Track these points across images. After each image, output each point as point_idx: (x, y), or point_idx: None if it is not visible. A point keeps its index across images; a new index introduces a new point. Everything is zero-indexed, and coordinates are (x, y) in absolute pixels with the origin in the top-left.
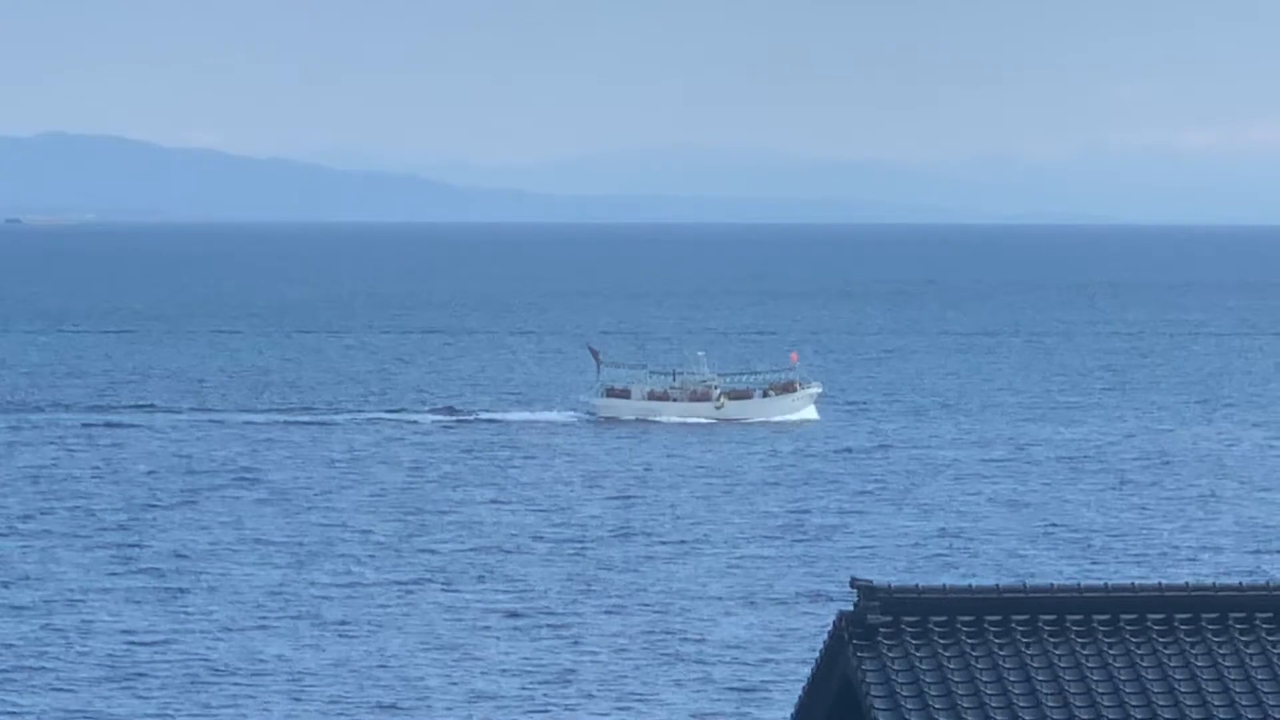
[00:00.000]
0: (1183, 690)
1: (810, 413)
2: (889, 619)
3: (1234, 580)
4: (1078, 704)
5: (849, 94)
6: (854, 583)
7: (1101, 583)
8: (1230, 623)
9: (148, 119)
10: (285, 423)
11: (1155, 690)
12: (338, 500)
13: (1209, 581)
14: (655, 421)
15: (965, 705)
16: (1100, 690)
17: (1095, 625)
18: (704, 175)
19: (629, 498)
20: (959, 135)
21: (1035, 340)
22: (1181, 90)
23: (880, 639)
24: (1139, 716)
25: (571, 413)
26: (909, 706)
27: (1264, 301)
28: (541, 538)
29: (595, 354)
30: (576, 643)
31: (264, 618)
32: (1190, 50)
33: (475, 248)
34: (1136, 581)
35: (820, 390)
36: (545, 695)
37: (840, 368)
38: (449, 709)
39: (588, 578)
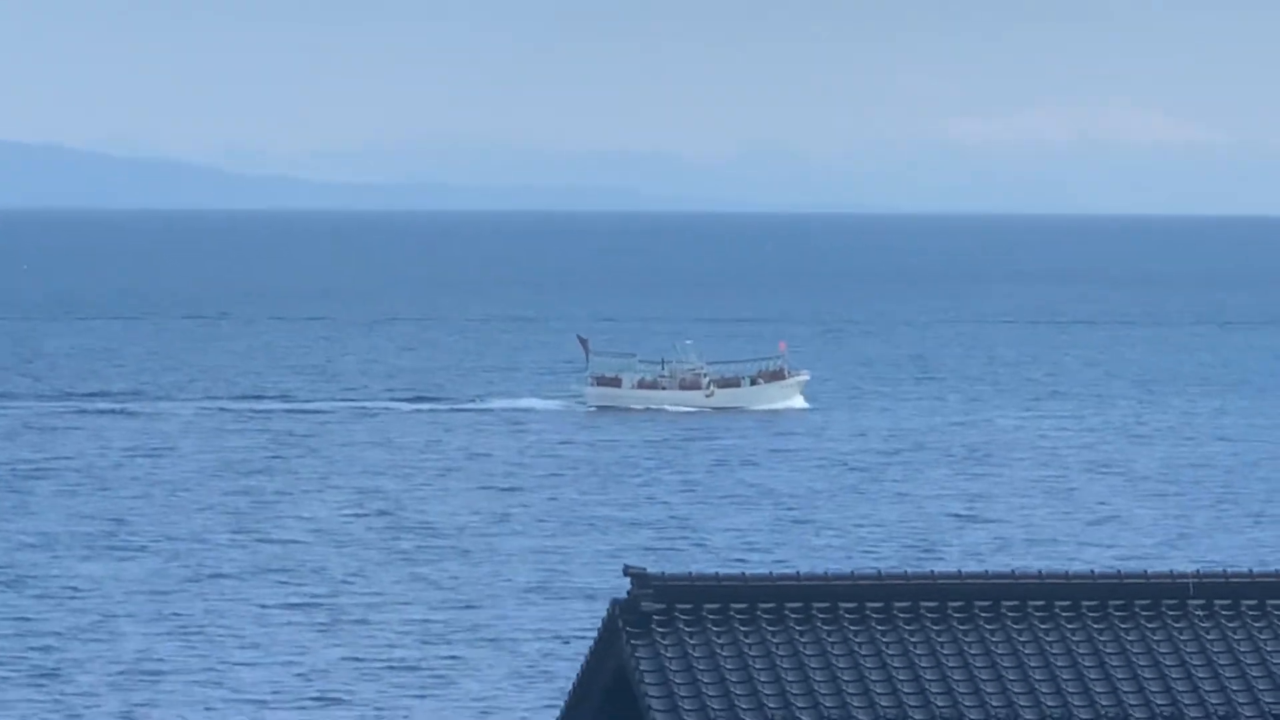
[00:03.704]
0: (955, 678)
1: (798, 401)
2: (662, 606)
3: (1034, 570)
4: (850, 690)
5: (622, 84)
6: (627, 570)
7: (875, 570)
8: (1002, 610)
9: None
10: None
11: (928, 678)
12: (139, 489)
13: (995, 570)
14: (646, 409)
15: (738, 692)
16: (873, 677)
17: (869, 612)
18: (481, 164)
19: (484, 487)
20: (734, 126)
21: (830, 330)
22: (958, 82)
23: (654, 626)
24: (912, 704)
25: (556, 400)
26: (682, 694)
27: (1055, 290)
28: (362, 530)
29: (584, 343)
30: (368, 633)
31: (92, 614)
32: (967, 43)
33: (248, 235)
34: (909, 570)
35: (808, 378)
36: (330, 685)
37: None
38: (244, 699)
39: (395, 570)
